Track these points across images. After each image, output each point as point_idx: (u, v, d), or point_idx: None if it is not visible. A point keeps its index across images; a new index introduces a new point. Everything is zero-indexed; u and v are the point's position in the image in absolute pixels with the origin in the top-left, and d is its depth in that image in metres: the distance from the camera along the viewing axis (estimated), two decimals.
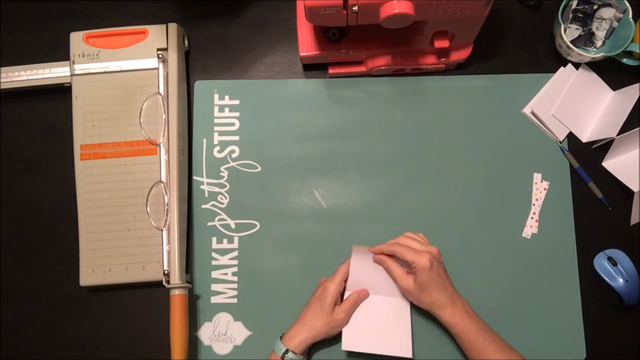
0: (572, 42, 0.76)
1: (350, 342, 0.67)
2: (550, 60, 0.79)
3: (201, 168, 0.76)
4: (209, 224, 0.75)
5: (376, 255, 0.68)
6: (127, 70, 0.74)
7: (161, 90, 0.73)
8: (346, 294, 0.70)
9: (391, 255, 0.68)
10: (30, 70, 0.75)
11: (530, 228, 0.74)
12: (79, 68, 0.74)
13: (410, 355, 0.67)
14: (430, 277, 0.64)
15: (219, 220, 0.75)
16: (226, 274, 0.73)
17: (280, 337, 0.67)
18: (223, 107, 0.78)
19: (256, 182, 0.76)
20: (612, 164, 0.75)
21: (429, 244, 0.67)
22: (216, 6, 0.80)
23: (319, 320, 0.66)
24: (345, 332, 0.68)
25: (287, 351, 0.64)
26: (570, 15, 0.77)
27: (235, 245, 0.74)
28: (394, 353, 0.67)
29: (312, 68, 0.78)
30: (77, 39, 0.75)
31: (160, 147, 0.73)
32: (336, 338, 0.69)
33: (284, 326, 0.69)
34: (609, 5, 0.76)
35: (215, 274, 0.73)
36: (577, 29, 0.78)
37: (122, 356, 0.72)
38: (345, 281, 0.69)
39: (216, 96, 0.78)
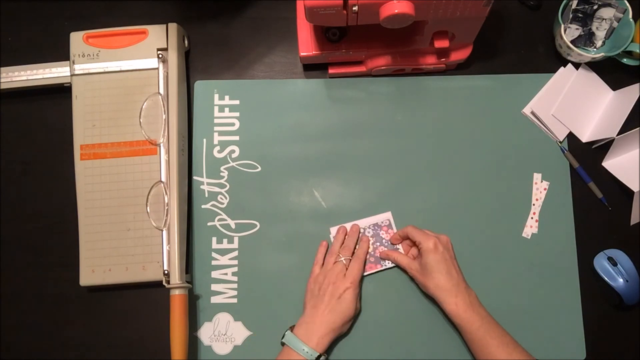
0: (572, 42, 0.76)
1: None
2: (550, 60, 0.79)
3: (201, 168, 0.76)
4: (209, 224, 0.75)
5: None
6: (127, 70, 0.74)
7: (161, 90, 0.73)
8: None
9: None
10: (30, 70, 0.75)
11: (530, 228, 0.74)
12: (79, 68, 0.74)
13: None
14: (435, 259, 0.66)
15: (219, 220, 0.75)
16: (226, 274, 0.73)
17: (298, 336, 0.65)
18: (223, 107, 0.78)
19: (256, 182, 0.76)
20: (612, 164, 0.75)
21: (439, 234, 0.70)
22: (216, 6, 0.80)
23: (345, 323, 0.67)
24: None
25: (320, 356, 0.64)
26: (570, 15, 0.77)
27: (235, 245, 0.74)
28: None
29: (312, 68, 0.78)
30: (77, 39, 0.75)
31: (160, 147, 0.73)
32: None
33: (284, 326, 0.69)
34: (609, 5, 0.76)
35: (215, 274, 0.73)
36: (577, 29, 0.78)
37: (122, 356, 0.72)
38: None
39: (216, 96, 0.78)
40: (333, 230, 0.74)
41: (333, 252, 0.71)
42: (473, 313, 0.64)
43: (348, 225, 0.74)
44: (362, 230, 0.74)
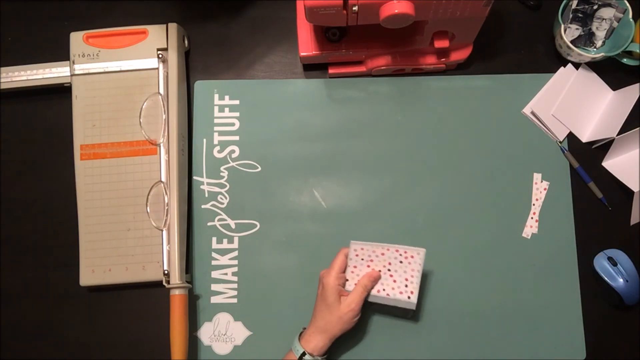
0: (572, 42, 0.76)
1: None
2: (550, 60, 0.79)
3: (201, 168, 0.76)
4: (209, 224, 0.75)
5: None
6: (127, 70, 0.74)
7: (161, 90, 0.73)
8: (348, 286, 0.66)
9: None
10: (30, 70, 0.75)
11: (530, 228, 0.74)
12: (79, 68, 0.74)
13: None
14: None
15: (219, 220, 0.75)
16: (226, 274, 0.73)
17: (299, 335, 0.65)
18: (223, 107, 0.78)
19: (256, 182, 0.76)
20: (612, 164, 0.75)
21: None
22: (216, 6, 0.80)
23: (329, 321, 0.64)
24: None
25: (304, 353, 0.63)
26: (570, 15, 0.77)
27: (235, 245, 0.74)
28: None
29: (312, 68, 0.78)
30: (77, 39, 0.75)
31: (160, 147, 0.73)
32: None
33: (284, 326, 0.69)
34: (609, 5, 0.76)
35: (215, 274, 0.73)
36: (577, 29, 0.78)
37: (122, 356, 0.72)
38: (343, 272, 0.67)
39: (216, 96, 0.78)
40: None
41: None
42: None
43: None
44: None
